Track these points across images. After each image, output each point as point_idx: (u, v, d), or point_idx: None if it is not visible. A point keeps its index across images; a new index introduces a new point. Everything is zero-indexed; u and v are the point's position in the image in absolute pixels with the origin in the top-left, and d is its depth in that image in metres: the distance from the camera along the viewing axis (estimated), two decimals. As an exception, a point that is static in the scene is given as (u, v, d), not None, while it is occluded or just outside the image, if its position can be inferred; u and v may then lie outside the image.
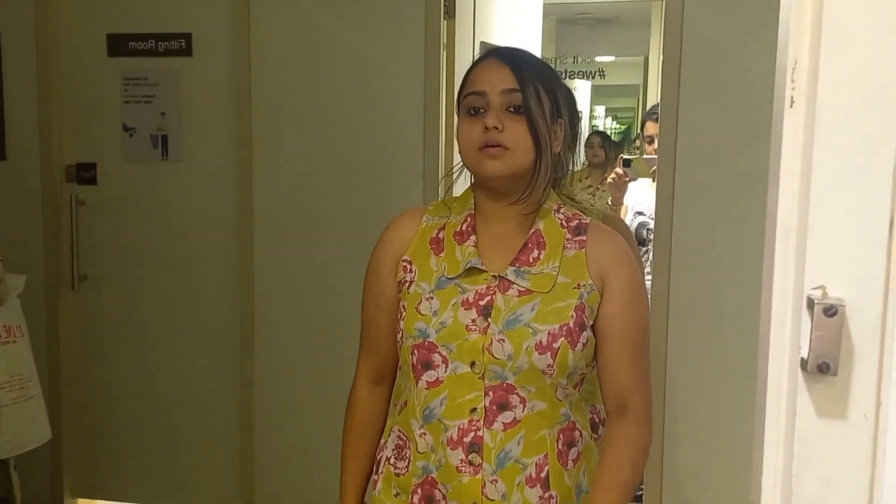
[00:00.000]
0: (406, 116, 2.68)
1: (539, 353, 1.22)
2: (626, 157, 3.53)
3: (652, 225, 2.94)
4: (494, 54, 1.30)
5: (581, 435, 1.32)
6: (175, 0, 2.83)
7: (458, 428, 1.24)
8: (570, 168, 1.42)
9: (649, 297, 2.66)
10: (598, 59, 5.93)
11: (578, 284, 1.26)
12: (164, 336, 2.96)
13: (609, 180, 3.45)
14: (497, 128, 1.23)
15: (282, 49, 2.75)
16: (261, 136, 2.79)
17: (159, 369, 2.97)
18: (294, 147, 2.78)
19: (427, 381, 1.27)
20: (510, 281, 1.26)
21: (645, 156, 3.39)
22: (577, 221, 1.32)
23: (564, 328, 1.23)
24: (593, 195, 4.61)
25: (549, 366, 1.23)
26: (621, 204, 3.44)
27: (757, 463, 0.72)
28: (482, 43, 2.91)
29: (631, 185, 3.39)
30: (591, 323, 1.27)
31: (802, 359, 0.66)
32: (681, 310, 2.50)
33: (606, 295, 1.27)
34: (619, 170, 3.40)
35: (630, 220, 3.44)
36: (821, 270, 0.66)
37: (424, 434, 1.28)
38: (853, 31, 0.63)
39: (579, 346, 1.25)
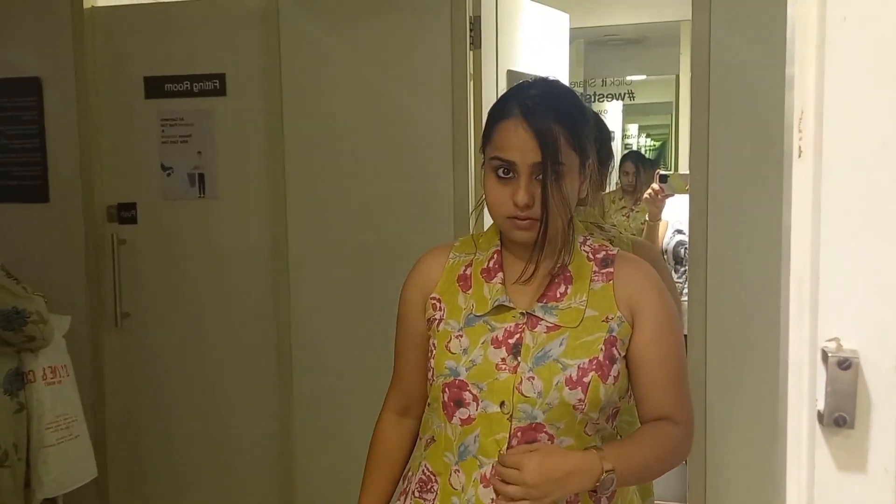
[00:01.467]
0: (435, 149, 2.71)
1: (570, 389, 1.21)
2: (662, 172, 3.51)
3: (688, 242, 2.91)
4: (522, 112, 1.23)
5: None
6: (208, 42, 2.90)
7: (493, 465, 1.24)
8: (595, 199, 1.41)
9: (686, 316, 2.63)
10: (629, 78, 5.90)
11: (607, 317, 1.25)
12: (205, 370, 3.01)
13: (645, 196, 3.43)
14: (528, 205, 1.22)
15: (312, 86, 2.80)
16: (294, 172, 2.84)
17: (201, 403, 3.02)
18: (326, 182, 2.82)
19: (460, 419, 1.27)
20: (538, 317, 1.25)
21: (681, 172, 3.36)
22: (603, 253, 1.31)
23: (594, 362, 1.22)
24: (628, 217, 4.57)
25: (580, 401, 1.22)
26: (659, 220, 3.42)
27: (781, 482, 0.72)
28: (509, 71, 2.93)
29: (669, 201, 3.36)
30: (622, 354, 1.26)
31: (819, 412, 0.66)
32: (717, 326, 2.46)
33: (638, 325, 1.26)
34: (655, 186, 3.38)
35: (668, 237, 3.41)
36: (834, 322, 0.65)
37: (458, 471, 1.27)
38: (855, 83, 0.63)
39: (610, 379, 1.23)
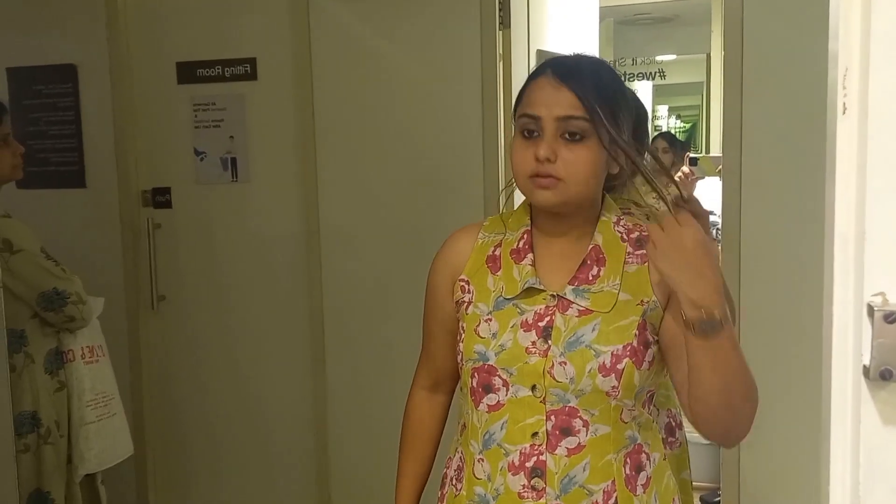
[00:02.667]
0: (465, 129, 2.71)
1: (603, 376, 1.17)
2: (692, 155, 3.49)
3: (720, 225, 2.89)
4: (553, 69, 1.21)
5: (650, 458, 1.26)
6: (238, 26, 2.92)
7: (521, 452, 1.21)
8: (629, 181, 1.32)
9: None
10: (659, 58, 5.84)
11: (641, 301, 1.20)
12: (239, 352, 3.05)
13: (675, 179, 3.40)
14: (549, 159, 1.17)
15: (342, 69, 2.82)
16: (325, 155, 2.86)
17: (236, 384, 3.07)
18: (357, 164, 2.84)
19: (488, 405, 1.24)
20: (569, 300, 1.21)
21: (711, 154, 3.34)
22: (637, 233, 1.26)
23: (629, 348, 1.18)
24: (657, 200, 4.53)
25: (613, 388, 1.18)
26: (689, 203, 3.39)
27: (825, 472, 0.72)
28: (538, 51, 2.92)
29: (700, 183, 3.34)
30: (655, 339, 1.21)
31: (865, 366, 0.66)
32: (751, 311, 2.45)
33: (676, 306, 1.14)
34: (685, 168, 3.36)
35: (698, 220, 3.38)
36: (880, 277, 0.65)
37: (482, 460, 1.24)
38: (903, 37, 0.63)
39: (645, 364, 1.19)
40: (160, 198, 3.05)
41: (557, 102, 1.17)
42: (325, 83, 2.83)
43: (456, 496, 1.29)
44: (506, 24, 2.73)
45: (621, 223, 1.27)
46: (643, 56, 5.76)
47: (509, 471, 1.21)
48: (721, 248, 2.57)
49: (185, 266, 3.07)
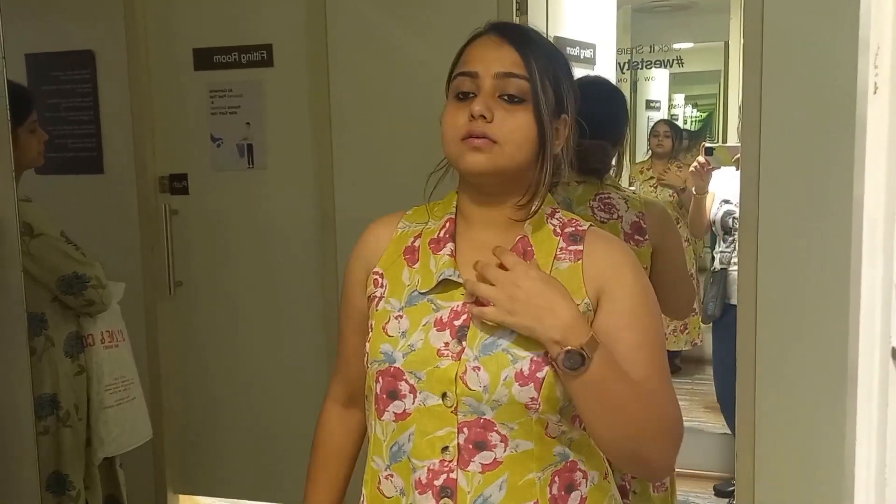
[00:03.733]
0: (482, 115, 2.70)
1: (520, 385, 1.03)
2: (708, 145, 3.46)
3: (737, 213, 2.87)
4: (496, 29, 1.12)
5: (586, 476, 1.11)
6: (254, 13, 2.92)
7: (428, 469, 1.06)
8: (565, 171, 1.17)
9: (735, 287, 2.60)
10: (676, 46, 5.80)
11: None
12: (255, 338, 3.07)
13: (691, 169, 3.39)
14: (484, 116, 1.06)
15: (358, 56, 2.81)
16: (341, 142, 2.86)
17: (252, 370, 3.08)
18: (373, 151, 2.83)
19: (394, 413, 1.09)
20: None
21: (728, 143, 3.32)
22: (573, 228, 1.13)
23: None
24: (655, 188, 4.48)
25: (532, 399, 1.03)
26: (705, 193, 3.38)
27: (849, 455, 0.71)
28: (556, 38, 2.90)
29: (716, 172, 3.32)
30: None
31: (894, 348, 0.65)
32: (769, 301, 2.43)
33: (605, 308, 1.07)
34: (701, 158, 3.33)
35: (716, 208, 3.37)
36: (910, 260, 0.65)
37: (391, 476, 1.10)
38: (937, 15, 0.62)
39: None
40: (177, 184, 3.07)
41: (498, 59, 1.08)
42: (342, 70, 2.83)
43: None
44: (523, 10, 2.71)
45: (556, 215, 1.15)
46: (660, 44, 5.72)
47: (416, 489, 1.07)
48: (739, 238, 2.55)
49: (201, 252, 3.08)
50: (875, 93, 0.65)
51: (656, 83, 5.79)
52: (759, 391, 2.45)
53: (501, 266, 1.04)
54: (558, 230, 1.13)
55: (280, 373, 3.05)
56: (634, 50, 5.57)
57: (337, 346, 1.28)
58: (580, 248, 1.11)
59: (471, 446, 1.06)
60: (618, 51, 4.22)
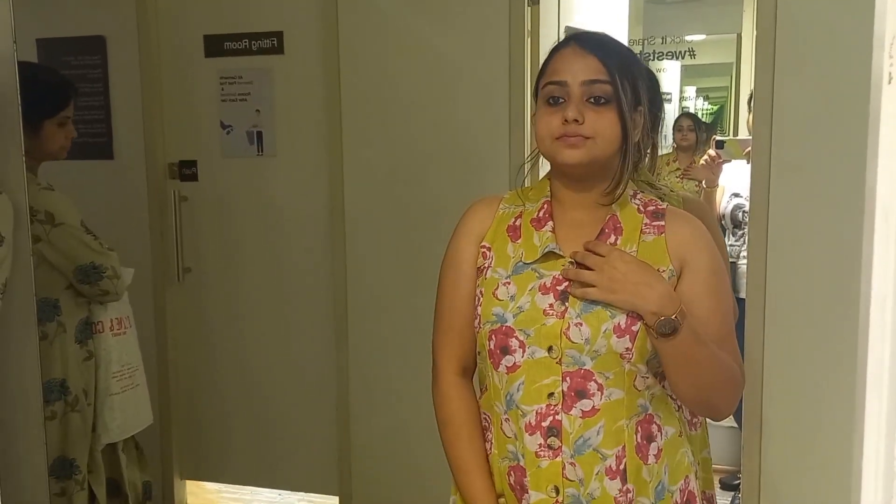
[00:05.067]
0: (492, 106, 2.69)
1: (618, 337, 1.21)
2: (719, 138, 3.44)
3: (747, 207, 2.86)
4: (576, 41, 1.27)
5: (661, 430, 1.29)
6: (265, 0, 2.91)
7: (536, 413, 1.24)
8: (646, 154, 1.38)
9: (744, 280, 2.59)
10: (688, 38, 5.74)
11: (659, 269, 1.24)
12: (263, 324, 3.07)
13: (701, 162, 3.37)
14: (577, 120, 1.21)
15: (369, 43, 2.80)
16: (350, 130, 2.85)
17: (259, 357, 3.09)
18: (383, 139, 2.83)
19: (506, 367, 1.26)
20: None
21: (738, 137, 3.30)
22: (654, 207, 1.31)
23: None
24: (681, 180, 4.48)
25: (627, 349, 1.21)
26: (716, 186, 3.36)
27: (857, 447, 0.71)
28: (567, 27, 2.89)
29: (726, 166, 3.30)
30: None
31: (904, 342, 0.65)
32: (778, 294, 2.42)
33: (688, 278, 1.25)
34: (711, 152, 3.32)
35: (726, 202, 3.35)
36: (923, 251, 0.64)
37: (508, 420, 1.28)
38: (955, 3, 0.61)
39: None
40: (186, 170, 3.07)
41: (583, 68, 1.23)
42: (352, 58, 2.82)
43: (489, 455, 1.32)
44: (535, 0, 2.70)
45: (637, 196, 1.32)
46: (672, 35, 5.66)
47: (526, 431, 1.24)
48: (748, 231, 2.54)
49: (210, 239, 3.09)
50: (889, 83, 0.64)
51: (668, 75, 5.74)
52: (766, 385, 2.45)
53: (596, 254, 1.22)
54: (641, 209, 1.30)
55: (287, 360, 3.06)
56: (646, 41, 5.52)
57: (441, 325, 1.38)
58: (662, 223, 1.28)
59: (573, 393, 1.23)
60: (629, 42, 4.19)
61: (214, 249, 3.09)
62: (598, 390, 1.23)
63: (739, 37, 5.35)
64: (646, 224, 1.28)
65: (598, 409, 1.23)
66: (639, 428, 1.26)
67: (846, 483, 0.78)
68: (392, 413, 2.92)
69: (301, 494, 3.23)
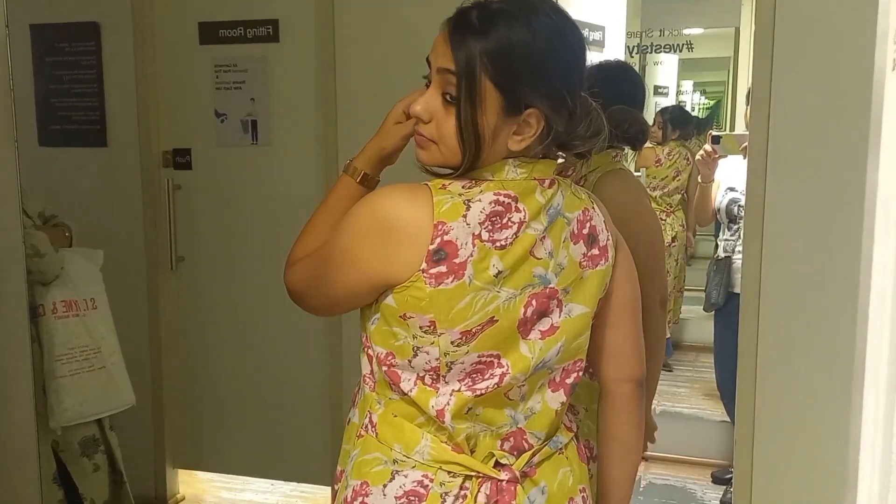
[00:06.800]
0: (489, 96, 2.67)
1: None
2: (715, 133, 3.44)
3: (743, 201, 2.85)
4: (451, 20, 1.05)
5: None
6: (262, -14, 2.89)
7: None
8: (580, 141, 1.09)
9: (739, 276, 2.58)
10: (686, 31, 5.73)
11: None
12: (256, 313, 3.06)
13: (698, 157, 3.36)
14: (422, 119, 1.06)
15: (365, 32, 2.78)
16: (346, 120, 2.83)
17: (253, 346, 3.08)
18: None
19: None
20: None
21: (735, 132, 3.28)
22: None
23: None
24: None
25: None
26: (711, 181, 3.35)
27: (854, 441, 0.70)
28: (565, 19, 2.87)
29: (721, 160, 3.29)
30: None
31: (903, 334, 0.64)
32: (773, 288, 2.41)
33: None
34: (707, 147, 3.31)
35: (721, 196, 3.34)
36: (924, 242, 0.63)
37: None
38: (961, -10, 0.60)
39: None
40: (180, 159, 3.05)
41: (443, 53, 1.04)
42: (348, 46, 2.80)
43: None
44: (532, -11, 2.68)
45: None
46: (670, 28, 5.65)
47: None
48: (744, 226, 2.53)
49: (203, 227, 3.07)
50: (894, 70, 0.64)
51: (665, 68, 5.73)
52: (760, 380, 2.44)
53: None
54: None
55: (281, 348, 3.05)
56: (644, 34, 5.51)
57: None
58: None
59: None
60: (627, 34, 4.17)
61: (208, 238, 3.07)
62: None
63: (738, 31, 5.35)
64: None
65: None
66: None
67: (841, 479, 0.78)
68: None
69: (293, 484, 3.22)
